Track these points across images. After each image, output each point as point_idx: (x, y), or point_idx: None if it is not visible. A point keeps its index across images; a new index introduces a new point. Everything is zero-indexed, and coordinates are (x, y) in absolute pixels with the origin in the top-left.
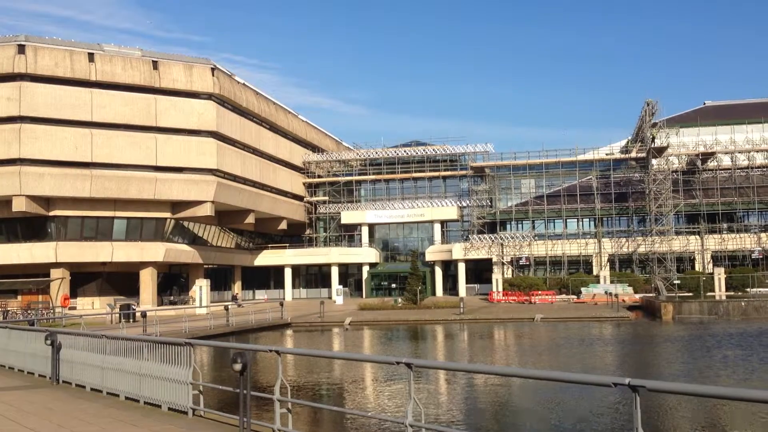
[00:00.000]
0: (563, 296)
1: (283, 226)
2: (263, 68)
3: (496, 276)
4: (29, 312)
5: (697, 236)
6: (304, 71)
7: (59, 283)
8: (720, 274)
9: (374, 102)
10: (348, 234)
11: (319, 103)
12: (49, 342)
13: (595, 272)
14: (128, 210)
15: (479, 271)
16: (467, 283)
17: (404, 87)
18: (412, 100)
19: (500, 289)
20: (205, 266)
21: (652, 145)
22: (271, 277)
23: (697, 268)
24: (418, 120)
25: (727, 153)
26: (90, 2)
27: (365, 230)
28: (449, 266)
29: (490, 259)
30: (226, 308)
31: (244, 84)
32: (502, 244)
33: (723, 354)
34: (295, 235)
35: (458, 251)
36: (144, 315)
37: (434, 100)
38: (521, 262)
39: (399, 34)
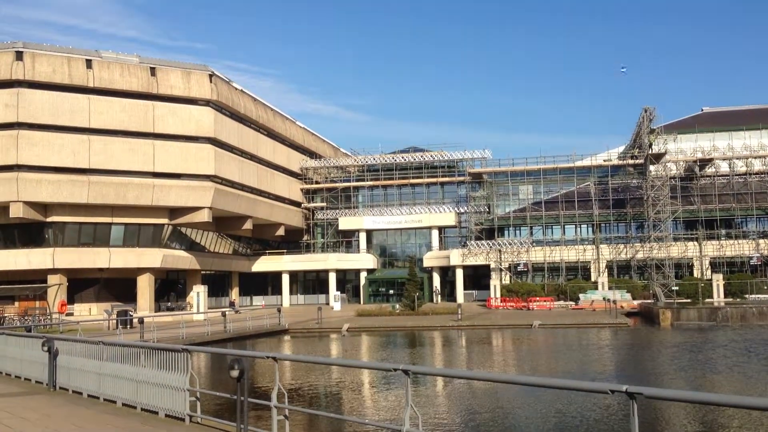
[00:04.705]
0: (561, 302)
1: (281, 232)
2: (265, 75)
3: (494, 282)
4: (26, 318)
5: (696, 242)
6: (305, 78)
7: (56, 289)
8: (718, 281)
9: (374, 109)
10: (346, 240)
11: (320, 110)
12: (46, 348)
13: (593, 278)
14: (126, 216)
15: (477, 278)
16: (465, 289)
17: (404, 94)
18: (412, 106)
19: (498, 295)
20: (202, 272)
21: (650, 152)
22: (268, 283)
23: (695, 275)
24: (418, 126)
25: (724, 159)
26: (94, 10)
27: (363, 236)
28: (447, 272)
29: (488, 266)
30: (224, 314)
31: (242, 90)
32: (500, 251)
33: (717, 359)
34: (292, 241)
35: (456, 257)
36: (141, 321)
37: (433, 106)
38: (519, 269)
39: (399, 42)
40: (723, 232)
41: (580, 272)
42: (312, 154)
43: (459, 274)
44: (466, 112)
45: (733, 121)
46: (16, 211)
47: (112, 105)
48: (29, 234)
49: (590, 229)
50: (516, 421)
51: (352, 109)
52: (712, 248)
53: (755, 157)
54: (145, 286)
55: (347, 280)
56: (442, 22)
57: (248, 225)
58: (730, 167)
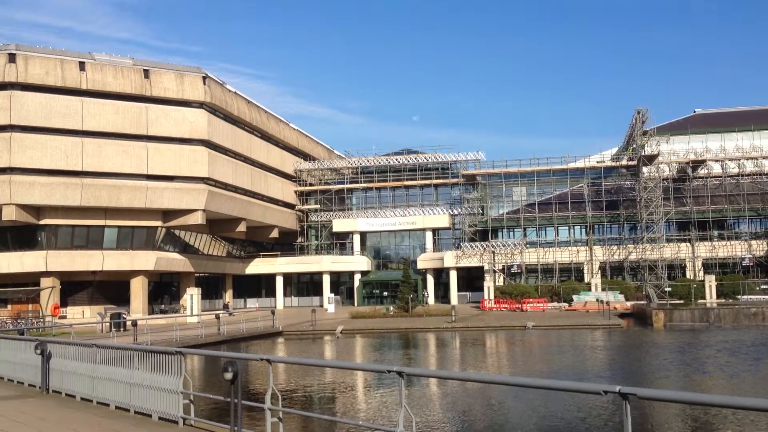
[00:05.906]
0: (555, 304)
1: (275, 234)
2: (259, 78)
3: (488, 284)
4: (19, 321)
5: (688, 243)
6: (300, 81)
7: (49, 292)
8: (711, 282)
9: (368, 111)
10: (339, 242)
11: (314, 112)
12: (38, 351)
13: (586, 280)
14: (119, 218)
15: (471, 279)
16: (459, 291)
17: (398, 96)
18: (406, 109)
19: (492, 296)
20: (196, 275)
21: (643, 153)
22: (262, 286)
23: (688, 276)
24: (412, 129)
25: (717, 161)
26: (89, 13)
27: (357, 238)
28: (441, 274)
29: (482, 267)
30: (218, 317)
31: (235, 92)
32: (493, 252)
33: (703, 360)
34: (286, 244)
35: (450, 259)
36: (135, 324)
37: (427, 108)
38: (513, 270)
39: (393, 44)
40: (715, 233)
41: (573, 273)
42: (306, 156)
43: (453, 276)
44: (460, 115)
45: (725, 122)
46: (9, 214)
47: (105, 107)
48: (22, 237)
49: (583, 230)
50: (509, 422)
51: (346, 111)
52: (704, 249)
53: (747, 159)
54: (138, 289)
55: (341, 282)
56: (437, 25)
57: (242, 227)
58: (722, 169)
